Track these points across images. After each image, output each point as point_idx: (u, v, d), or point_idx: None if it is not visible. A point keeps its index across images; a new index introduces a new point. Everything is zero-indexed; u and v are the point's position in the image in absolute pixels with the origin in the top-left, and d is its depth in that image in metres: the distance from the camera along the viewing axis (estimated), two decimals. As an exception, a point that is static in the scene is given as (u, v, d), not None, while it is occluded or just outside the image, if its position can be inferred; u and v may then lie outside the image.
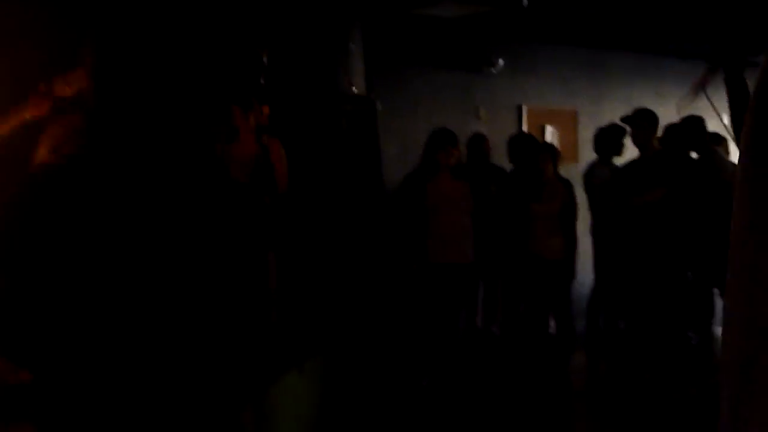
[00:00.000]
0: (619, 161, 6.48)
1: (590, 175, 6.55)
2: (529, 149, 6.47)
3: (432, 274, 5.64)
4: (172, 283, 2.56)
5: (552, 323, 6.32)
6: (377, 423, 4.62)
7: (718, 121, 4.54)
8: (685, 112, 5.72)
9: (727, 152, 6.67)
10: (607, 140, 6.54)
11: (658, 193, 5.74)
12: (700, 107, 4.69)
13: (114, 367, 2.41)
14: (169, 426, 2.42)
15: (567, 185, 6.11)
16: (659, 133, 6.13)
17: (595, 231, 6.42)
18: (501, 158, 6.91)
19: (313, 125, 4.47)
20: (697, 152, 6.21)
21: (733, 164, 6.80)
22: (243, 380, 2.57)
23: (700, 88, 3.92)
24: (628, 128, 6.20)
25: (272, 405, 2.69)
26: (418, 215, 5.59)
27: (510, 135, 7.05)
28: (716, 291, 6.34)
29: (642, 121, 6.00)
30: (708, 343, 6.52)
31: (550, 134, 8.55)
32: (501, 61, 7.96)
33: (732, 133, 3.74)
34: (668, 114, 6.26)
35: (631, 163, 6.14)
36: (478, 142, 6.68)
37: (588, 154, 7.29)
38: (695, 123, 6.15)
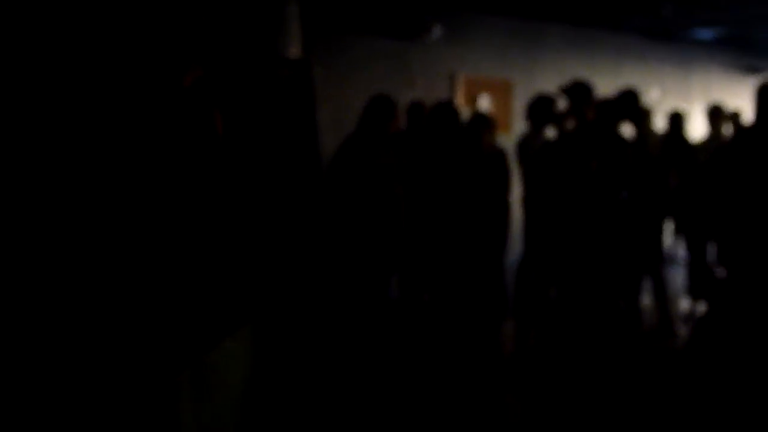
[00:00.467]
0: (551, 132, 6.53)
1: (523, 146, 6.58)
2: (459, 118, 6.46)
3: (364, 243, 5.63)
4: (105, 249, 2.50)
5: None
6: (310, 390, 4.61)
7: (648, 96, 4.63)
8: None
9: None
10: (539, 110, 6.56)
11: (590, 165, 5.79)
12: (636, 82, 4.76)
13: (47, 330, 2.36)
14: (106, 390, 2.38)
15: (501, 155, 6.13)
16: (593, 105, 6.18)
17: (527, 201, 6.47)
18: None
19: (248, 89, 4.41)
20: (631, 125, 6.32)
21: (659, 138, 6.95)
22: (179, 345, 2.53)
23: None
24: (560, 99, 6.24)
25: (209, 371, 2.66)
26: (354, 183, 5.55)
27: (434, 103, 6.98)
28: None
29: (577, 92, 6.04)
30: (635, 312, 6.68)
31: (485, 103, 8.58)
32: (437, 29, 7.94)
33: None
34: (602, 85, 6.34)
35: (565, 135, 6.19)
36: (418, 110, 6.65)
37: (521, 125, 7.34)
38: (630, 97, 6.23)
